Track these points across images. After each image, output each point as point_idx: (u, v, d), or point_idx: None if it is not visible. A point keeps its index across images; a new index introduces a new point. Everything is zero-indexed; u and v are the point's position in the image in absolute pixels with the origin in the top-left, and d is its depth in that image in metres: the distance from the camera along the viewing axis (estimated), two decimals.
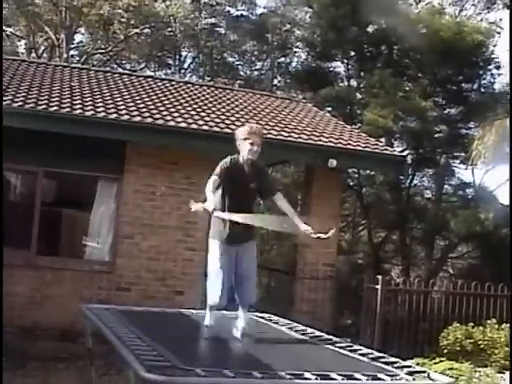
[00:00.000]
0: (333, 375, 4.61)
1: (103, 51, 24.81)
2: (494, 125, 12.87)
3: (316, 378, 4.50)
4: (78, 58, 25.44)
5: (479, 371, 8.58)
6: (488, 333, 9.55)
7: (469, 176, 21.27)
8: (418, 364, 8.94)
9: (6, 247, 10.25)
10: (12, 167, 10.77)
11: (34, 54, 24.94)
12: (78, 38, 27.23)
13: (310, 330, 6.75)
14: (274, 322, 7.30)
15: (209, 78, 25.43)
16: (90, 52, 24.89)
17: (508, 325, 9.62)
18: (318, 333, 6.60)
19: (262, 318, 7.64)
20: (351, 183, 21.57)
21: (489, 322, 9.80)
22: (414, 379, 4.82)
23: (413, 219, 20.71)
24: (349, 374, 4.68)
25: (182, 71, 26.79)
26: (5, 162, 10.41)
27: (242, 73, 26.63)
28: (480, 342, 9.44)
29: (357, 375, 4.67)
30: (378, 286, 9.87)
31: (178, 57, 26.88)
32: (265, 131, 11.04)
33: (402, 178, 21.10)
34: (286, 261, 17.19)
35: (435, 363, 8.89)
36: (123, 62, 26.56)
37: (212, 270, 5.72)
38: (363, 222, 22.65)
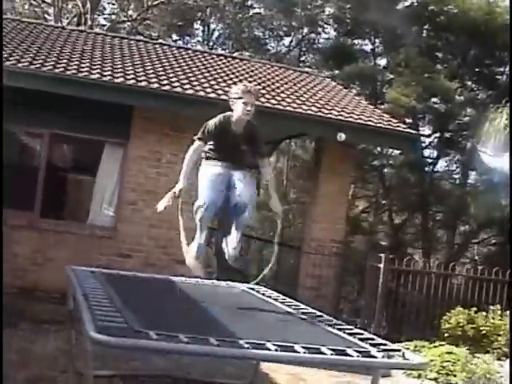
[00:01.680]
0: (296, 347, 4.42)
1: (128, 19, 24.71)
2: (506, 106, 12.45)
3: (276, 350, 4.32)
4: (105, 28, 25.38)
5: (478, 357, 8.32)
6: (491, 319, 9.29)
7: (497, 162, 20.83)
8: (416, 347, 8.76)
9: (10, 208, 10.27)
10: (18, 128, 10.74)
11: (64, 22, 24.98)
12: (107, 7, 27.27)
13: (295, 304, 6.58)
14: (261, 293, 7.14)
15: (236, 52, 25.19)
16: (115, 20, 24.83)
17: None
18: (303, 306, 6.42)
19: (251, 289, 7.48)
20: (374, 163, 21.31)
21: (492, 307, 9.53)
22: (383, 356, 4.62)
23: (435, 203, 20.37)
24: (314, 347, 4.50)
25: (210, 44, 26.61)
26: (12, 123, 10.40)
27: (269, 47, 26.35)
28: (482, 328, 9.19)
29: (323, 349, 4.48)
30: (381, 265, 9.63)
31: (205, 29, 26.72)
32: (274, 102, 10.94)
33: (425, 160, 20.80)
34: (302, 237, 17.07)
35: (435, 347, 8.67)
36: (149, 31, 26.43)
37: (200, 186, 5.39)
38: (385, 203, 22.37)
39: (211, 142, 5.49)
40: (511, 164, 11.88)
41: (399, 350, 4.84)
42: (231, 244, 5.62)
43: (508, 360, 8.38)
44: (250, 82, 12.00)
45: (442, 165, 22.26)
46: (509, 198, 12.97)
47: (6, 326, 7.99)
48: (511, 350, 7.38)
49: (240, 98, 5.40)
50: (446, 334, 9.28)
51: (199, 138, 5.48)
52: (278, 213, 5.58)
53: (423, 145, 20.54)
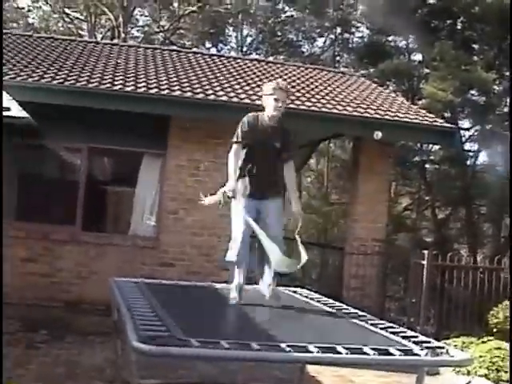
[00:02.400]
0: (338, 348, 4.40)
1: (161, 30, 24.94)
2: None
3: (318, 351, 4.31)
4: (139, 40, 25.65)
5: None
6: None
7: None
8: (463, 343, 8.64)
9: (52, 223, 10.46)
10: (58, 144, 10.91)
11: (98, 36, 25.34)
12: (140, 19, 27.55)
13: (338, 305, 6.55)
14: (304, 296, 7.12)
15: (270, 56, 25.22)
16: (148, 32, 25.08)
17: None
18: (345, 307, 6.39)
19: (294, 292, 7.47)
20: (414, 159, 21.11)
21: None
22: (426, 354, 4.57)
23: (478, 196, 20.09)
24: (357, 348, 4.47)
25: (244, 49, 26.69)
26: (51, 139, 10.59)
27: (303, 49, 26.32)
28: None
29: (365, 349, 4.45)
30: (424, 262, 9.52)
31: (238, 35, 26.81)
32: (309, 103, 10.91)
33: (466, 153, 20.55)
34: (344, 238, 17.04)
35: (483, 342, 8.52)
36: (182, 41, 26.62)
37: (234, 228, 5.53)
38: (427, 199, 22.15)
39: (245, 148, 5.53)
40: (511, 163, 11.65)
41: (443, 348, 4.79)
42: (266, 282, 5.71)
43: None
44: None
45: (483, 158, 21.98)
46: None
47: (52, 339, 8.17)
48: (511, 349, 7.22)
49: (271, 94, 5.47)
50: (494, 330, 9.13)
51: (236, 142, 5.54)
52: (296, 211, 5.54)
53: (463, 138, 20.32)
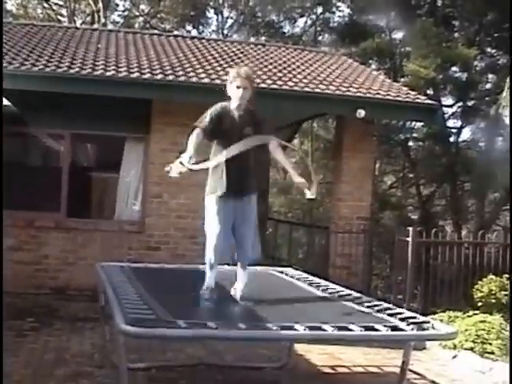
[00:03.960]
0: (324, 326, 4.46)
1: (141, 14, 24.78)
2: None
3: (304, 329, 4.36)
4: (119, 24, 25.45)
5: None
6: None
7: None
8: (449, 318, 8.73)
9: (37, 210, 10.43)
10: (39, 131, 10.86)
11: (78, 22, 25.14)
12: (120, 4, 27.36)
13: (324, 284, 6.61)
14: (290, 276, 7.17)
15: (251, 38, 25.13)
16: (129, 16, 24.91)
17: None
18: (332, 286, 6.46)
19: (281, 272, 7.53)
20: (398, 137, 21.17)
21: None
22: (412, 329, 4.64)
23: (462, 172, 20.18)
24: (343, 325, 4.53)
25: (225, 31, 26.59)
26: (32, 127, 10.54)
27: (284, 30, 26.24)
28: None
29: (351, 326, 4.51)
30: (409, 239, 9.58)
31: (219, 17, 26.71)
32: (291, 83, 10.90)
33: (450, 130, 20.62)
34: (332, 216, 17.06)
35: (468, 316, 8.61)
36: (163, 24, 26.46)
37: (208, 229, 5.44)
38: (412, 176, 22.24)
39: (215, 139, 5.44)
40: (511, 161, 11.70)
41: (428, 322, 4.86)
42: (239, 285, 5.59)
43: None
44: (265, 65, 12.03)
45: (467, 134, 22.08)
46: None
47: (41, 327, 8.18)
48: (511, 349, 7.31)
49: (231, 82, 5.41)
50: (479, 303, 9.21)
51: (199, 127, 5.41)
52: (302, 183, 5.43)
53: (446, 115, 20.38)
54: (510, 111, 11.69)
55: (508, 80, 12.68)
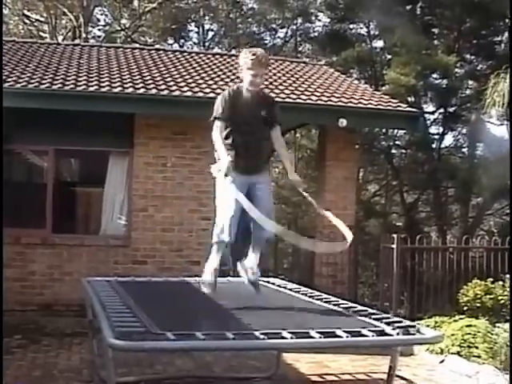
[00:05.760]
0: (312, 333, 4.49)
1: (122, 28, 24.82)
2: (508, 72, 12.28)
3: (292, 337, 4.39)
4: (100, 39, 25.49)
5: (498, 327, 8.33)
6: (508, 287, 9.27)
7: (503, 131, 20.78)
8: (436, 323, 8.80)
9: (22, 227, 10.40)
10: (23, 147, 10.87)
11: (60, 38, 25.12)
12: (101, 19, 27.39)
13: (310, 292, 6.64)
14: (277, 285, 7.20)
15: (232, 49, 25.22)
16: (109, 31, 24.94)
17: None
18: (317, 294, 6.49)
19: (267, 282, 7.54)
20: (381, 145, 21.30)
21: (508, 276, 9.51)
22: (398, 334, 4.67)
23: (446, 178, 20.33)
24: (330, 331, 4.55)
25: (206, 44, 26.69)
26: (16, 143, 10.53)
27: (265, 41, 26.35)
28: (500, 298, 9.17)
29: (338, 332, 4.54)
30: (394, 246, 9.65)
31: (200, 30, 26.80)
32: (273, 94, 10.94)
33: (432, 137, 20.78)
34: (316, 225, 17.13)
35: (454, 321, 8.68)
36: (144, 38, 26.54)
37: (220, 206, 5.32)
38: (395, 183, 22.35)
39: (227, 124, 5.26)
40: (511, 163, 11.81)
41: (414, 326, 4.90)
42: (250, 268, 5.55)
43: None
44: None
45: (449, 140, 22.24)
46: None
47: (29, 343, 8.17)
48: (511, 348, 7.38)
49: (249, 68, 5.20)
50: (464, 308, 9.28)
51: (217, 118, 5.25)
52: (298, 182, 5.49)
53: (428, 122, 20.56)
54: (511, 111, 11.77)
55: (492, 82, 12.75)
